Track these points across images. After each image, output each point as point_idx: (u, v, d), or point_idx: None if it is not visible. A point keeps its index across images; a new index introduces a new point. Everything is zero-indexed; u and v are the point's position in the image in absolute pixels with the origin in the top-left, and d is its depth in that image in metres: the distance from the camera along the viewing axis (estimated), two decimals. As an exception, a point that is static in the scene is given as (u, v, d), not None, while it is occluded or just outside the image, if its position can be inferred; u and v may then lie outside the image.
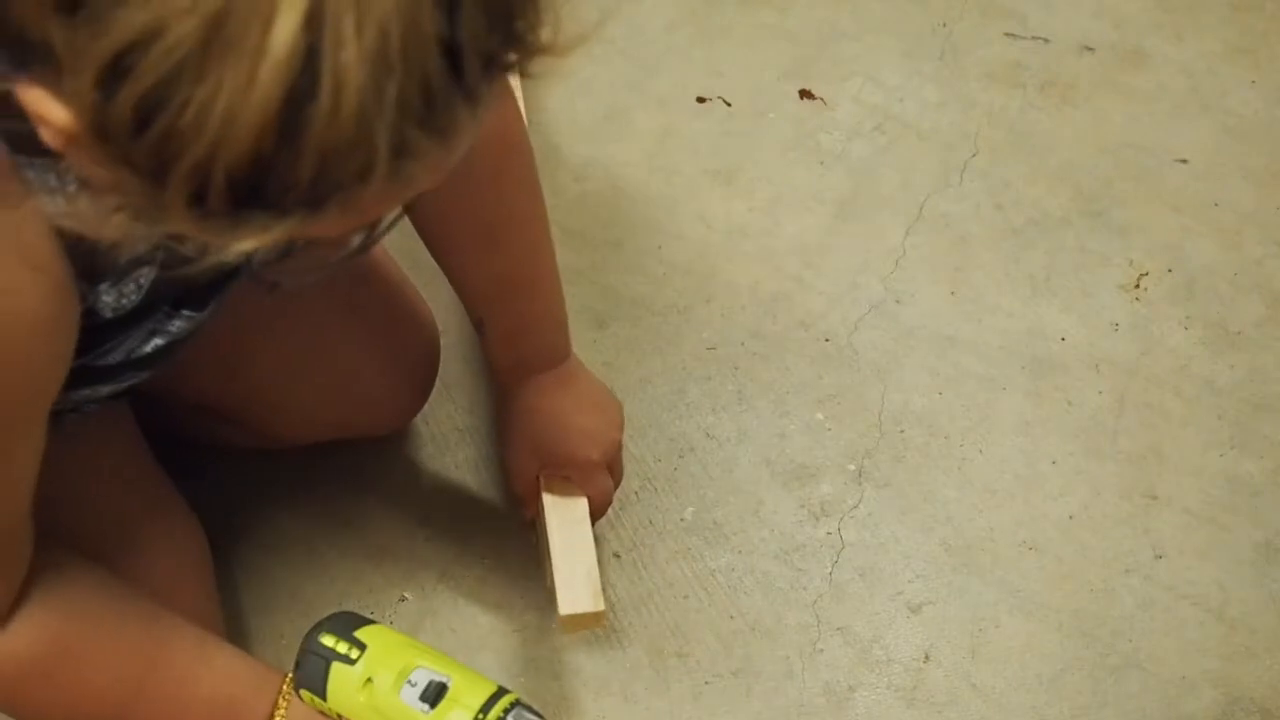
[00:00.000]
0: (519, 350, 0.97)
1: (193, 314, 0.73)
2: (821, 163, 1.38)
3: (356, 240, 0.55)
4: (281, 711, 0.77)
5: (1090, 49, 1.50)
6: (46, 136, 0.48)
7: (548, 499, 0.98)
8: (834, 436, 1.18)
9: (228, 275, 0.73)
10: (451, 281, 0.96)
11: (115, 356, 0.71)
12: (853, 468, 1.17)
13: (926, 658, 1.07)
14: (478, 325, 0.98)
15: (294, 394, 1.00)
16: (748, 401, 1.20)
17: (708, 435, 1.18)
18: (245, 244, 0.47)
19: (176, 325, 0.73)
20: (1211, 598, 1.10)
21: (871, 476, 1.16)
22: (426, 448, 1.16)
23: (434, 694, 0.74)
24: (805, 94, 1.45)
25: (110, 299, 0.66)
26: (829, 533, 1.13)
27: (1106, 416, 1.21)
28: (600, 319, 1.24)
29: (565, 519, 0.97)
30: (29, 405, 0.63)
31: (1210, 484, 1.17)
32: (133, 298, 0.67)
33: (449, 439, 1.16)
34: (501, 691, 0.75)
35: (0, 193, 0.55)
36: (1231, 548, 1.13)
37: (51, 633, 0.70)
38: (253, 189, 0.45)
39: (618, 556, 1.10)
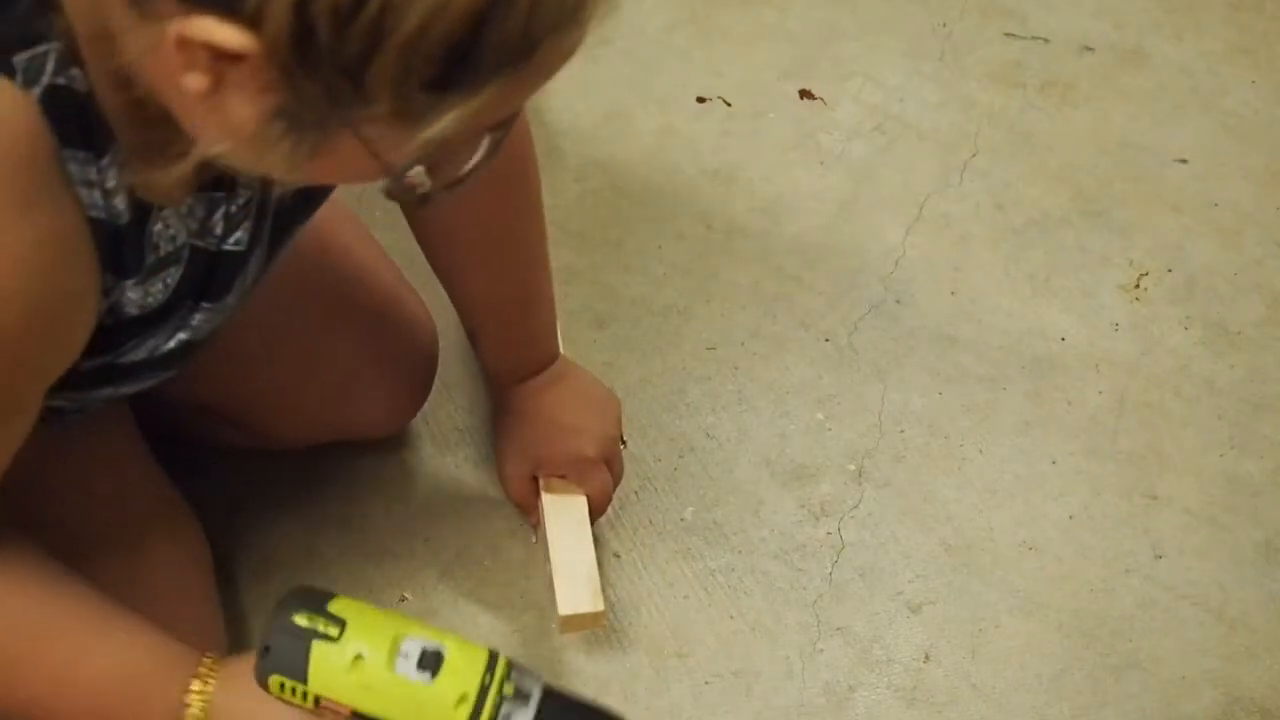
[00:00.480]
0: (511, 359, 0.98)
1: (211, 306, 0.72)
2: (821, 163, 1.38)
3: (491, 145, 0.56)
4: (198, 694, 0.70)
5: (1090, 49, 1.50)
6: (192, 85, 0.48)
7: (547, 499, 0.98)
8: (834, 436, 1.18)
9: (242, 265, 0.73)
10: (450, 294, 0.96)
11: (139, 354, 0.70)
12: (853, 468, 1.17)
13: (926, 658, 1.07)
14: (471, 335, 0.98)
15: (293, 396, 1.00)
16: (748, 401, 1.20)
17: (708, 435, 1.18)
18: (440, 124, 0.48)
19: (197, 319, 0.72)
20: (1211, 598, 1.10)
21: (871, 476, 1.16)
22: (426, 448, 1.16)
23: (432, 662, 0.70)
24: (805, 94, 1.45)
25: (135, 296, 0.65)
26: (829, 533, 1.13)
27: (1106, 416, 1.21)
28: (600, 319, 1.25)
29: (565, 519, 0.97)
30: (31, 381, 0.62)
31: (1210, 484, 1.17)
32: (159, 297, 0.67)
33: (449, 439, 1.16)
34: (494, 654, 0.72)
35: (47, 177, 0.56)
36: (1231, 548, 1.13)
37: None
38: (463, 55, 0.45)
39: (618, 556, 1.10)
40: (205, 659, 0.71)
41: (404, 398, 1.06)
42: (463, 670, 0.70)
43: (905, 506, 1.15)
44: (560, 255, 1.26)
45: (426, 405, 1.09)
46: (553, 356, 1.00)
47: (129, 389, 0.74)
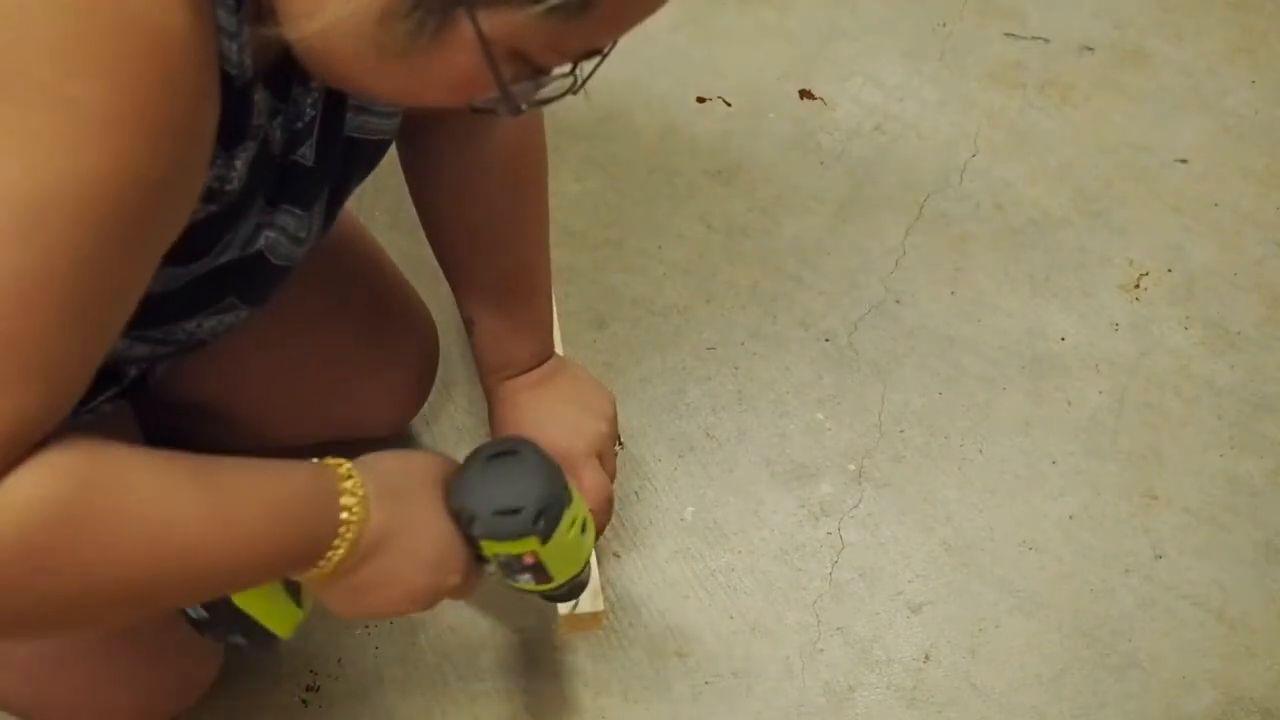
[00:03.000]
0: (506, 351, 0.97)
1: (295, 211, 0.71)
2: (821, 163, 1.38)
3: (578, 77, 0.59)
4: (353, 495, 0.67)
5: (1090, 49, 1.50)
6: None
7: (548, 499, 0.98)
8: (834, 436, 1.18)
9: (313, 181, 0.72)
10: (451, 279, 0.96)
11: (231, 252, 0.68)
12: (853, 468, 1.17)
13: (926, 658, 1.07)
14: (468, 323, 0.98)
15: (293, 395, 1.00)
16: (748, 401, 1.20)
17: (708, 435, 1.18)
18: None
19: (281, 220, 0.71)
20: (1211, 598, 1.10)
21: (871, 476, 1.16)
22: (426, 448, 1.16)
23: (584, 525, 0.76)
24: (805, 94, 1.45)
25: (240, 164, 0.64)
26: (829, 533, 1.13)
27: (1106, 416, 1.21)
28: (600, 319, 1.25)
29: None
30: (155, 221, 0.57)
31: (1210, 484, 1.17)
32: (240, 175, 0.64)
33: (449, 439, 1.16)
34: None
35: (205, 12, 0.54)
36: (1231, 548, 1.13)
37: (78, 470, 0.57)
38: None
39: (618, 556, 1.10)
40: (329, 461, 0.69)
41: (404, 396, 1.06)
42: (592, 529, 0.77)
43: (905, 506, 1.15)
44: (560, 255, 1.25)
45: (426, 405, 1.09)
46: (548, 353, 0.99)
47: (210, 322, 0.72)
